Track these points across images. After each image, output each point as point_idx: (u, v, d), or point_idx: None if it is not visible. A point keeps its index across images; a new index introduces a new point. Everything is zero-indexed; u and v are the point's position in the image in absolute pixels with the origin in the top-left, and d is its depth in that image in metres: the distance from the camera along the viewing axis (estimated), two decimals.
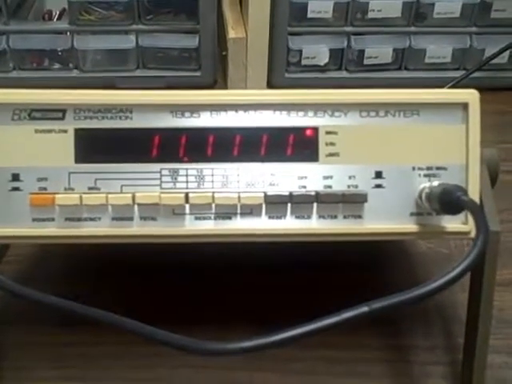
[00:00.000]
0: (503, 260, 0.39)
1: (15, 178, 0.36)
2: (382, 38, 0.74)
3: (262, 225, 0.36)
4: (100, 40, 0.73)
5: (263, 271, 0.48)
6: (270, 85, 0.76)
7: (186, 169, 0.36)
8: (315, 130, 0.36)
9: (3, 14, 0.71)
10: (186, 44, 0.73)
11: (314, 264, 0.49)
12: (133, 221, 0.36)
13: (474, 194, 0.36)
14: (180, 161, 0.36)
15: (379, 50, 0.75)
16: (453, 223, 0.37)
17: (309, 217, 0.36)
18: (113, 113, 0.36)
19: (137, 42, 0.72)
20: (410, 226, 0.37)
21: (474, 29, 0.74)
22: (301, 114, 0.36)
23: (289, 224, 0.36)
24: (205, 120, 0.36)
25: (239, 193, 0.36)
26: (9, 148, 0.35)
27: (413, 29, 0.74)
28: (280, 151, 0.36)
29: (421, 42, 0.74)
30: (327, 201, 0.36)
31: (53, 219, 0.36)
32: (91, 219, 0.36)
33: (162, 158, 0.36)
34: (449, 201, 0.34)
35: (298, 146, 0.36)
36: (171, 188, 0.36)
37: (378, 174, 0.36)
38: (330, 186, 0.36)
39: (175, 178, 0.36)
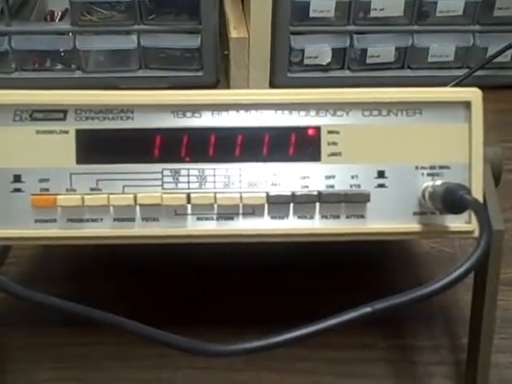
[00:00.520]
0: (507, 259, 0.39)
1: (17, 179, 0.35)
2: (385, 37, 0.74)
3: (265, 225, 0.36)
4: (102, 40, 0.73)
5: (266, 272, 0.48)
6: (273, 84, 0.76)
7: (188, 169, 0.36)
8: (317, 129, 0.36)
9: (5, 14, 0.71)
10: (187, 44, 0.73)
11: (316, 264, 0.49)
12: (135, 221, 0.36)
13: (477, 192, 0.36)
14: (182, 161, 0.36)
15: (382, 49, 0.74)
16: (456, 222, 0.36)
17: (311, 217, 0.36)
18: (114, 113, 0.36)
19: (139, 43, 0.72)
20: (413, 226, 0.36)
21: (476, 27, 0.74)
22: (303, 113, 0.36)
23: (291, 224, 0.36)
24: (206, 120, 0.36)
25: (241, 193, 0.35)
26: (10, 149, 0.35)
27: (415, 27, 0.73)
28: (282, 151, 0.36)
29: (423, 40, 0.74)
30: (330, 201, 0.36)
31: (55, 220, 0.36)
32: (93, 220, 0.36)
33: (164, 159, 0.36)
34: (452, 200, 0.33)
35: (300, 145, 0.36)
36: (173, 188, 0.36)
37: (381, 174, 0.36)
38: (332, 186, 0.36)
39: (177, 179, 0.36)
